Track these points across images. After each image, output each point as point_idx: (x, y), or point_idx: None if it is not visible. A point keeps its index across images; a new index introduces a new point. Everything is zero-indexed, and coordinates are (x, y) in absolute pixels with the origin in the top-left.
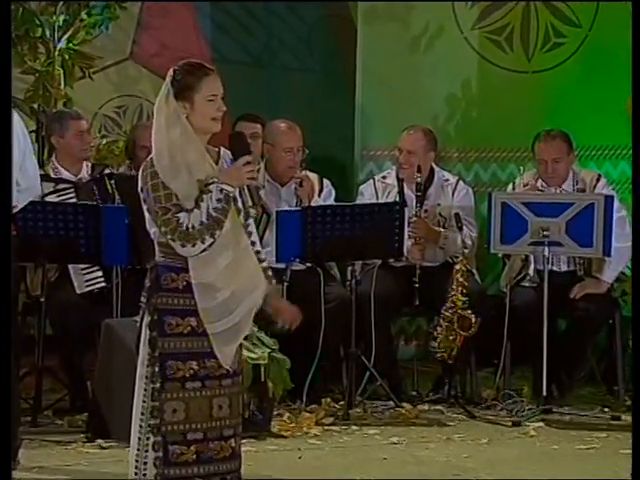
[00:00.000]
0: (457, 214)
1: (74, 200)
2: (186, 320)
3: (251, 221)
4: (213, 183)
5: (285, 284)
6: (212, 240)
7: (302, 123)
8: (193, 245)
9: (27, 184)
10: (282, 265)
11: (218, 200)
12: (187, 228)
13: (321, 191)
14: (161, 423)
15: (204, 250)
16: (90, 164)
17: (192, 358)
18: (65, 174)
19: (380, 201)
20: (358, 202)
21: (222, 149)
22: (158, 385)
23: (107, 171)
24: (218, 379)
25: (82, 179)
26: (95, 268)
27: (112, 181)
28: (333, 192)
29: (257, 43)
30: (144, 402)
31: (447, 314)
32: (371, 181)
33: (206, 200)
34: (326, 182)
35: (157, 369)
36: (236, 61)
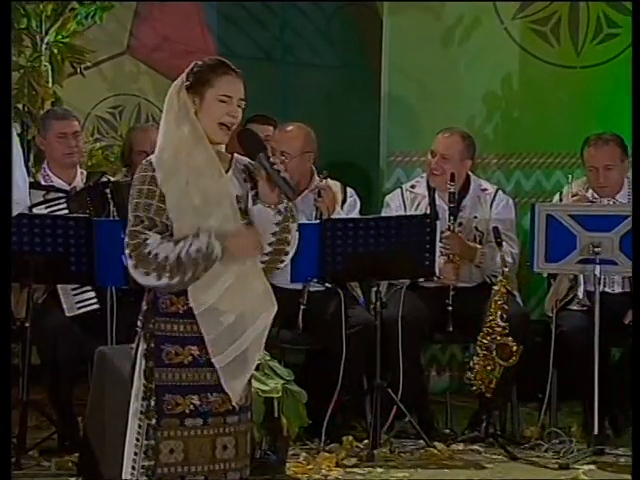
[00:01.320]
0: (496, 228)
1: (65, 212)
2: (187, 349)
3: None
4: (209, 233)
5: (301, 307)
6: (177, 281)
7: (319, 125)
8: (147, 274)
9: (17, 196)
10: (298, 286)
11: (198, 250)
12: (149, 253)
13: (344, 202)
14: (156, 465)
15: (168, 287)
16: (85, 172)
17: (193, 392)
18: (57, 182)
19: (409, 213)
20: (384, 214)
21: (236, 156)
22: (154, 421)
23: (104, 179)
24: (222, 416)
25: (75, 188)
26: (87, 289)
27: (108, 190)
28: (358, 203)
29: (269, 35)
30: (137, 441)
31: (485, 341)
32: (398, 190)
33: (186, 243)
34: (350, 191)
35: (153, 403)
36: (245, 56)
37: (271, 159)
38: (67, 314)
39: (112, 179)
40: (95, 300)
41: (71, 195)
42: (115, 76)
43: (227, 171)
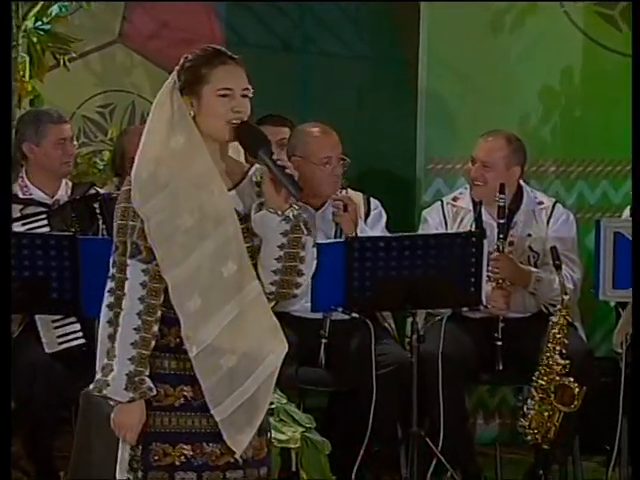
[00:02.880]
0: (554, 248)
1: (46, 229)
2: (178, 389)
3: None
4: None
5: (323, 341)
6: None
7: (345, 126)
8: (110, 309)
9: None
10: (319, 315)
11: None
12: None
13: (368, 215)
14: None
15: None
16: (70, 183)
17: (185, 440)
18: (37, 194)
19: (450, 230)
20: (421, 232)
21: (257, 166)
22: (140, 474)
23: (92, 191)
24: (222, 470)
25: (59, 201)
26: (71, 320)
27: (96, 204)
28: (384, 216)
29: (287, 22)
30: None
31: (541, 382)
32: (438, 204)
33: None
34: (374, 203)
35: (139, 453)
36: (259, 45)
37: (275, 155)
38: (47, 350)
39: (101, 191)
40: (80, 334)
41: (53, 210)
42: (105, 69)
43: (237, 184)
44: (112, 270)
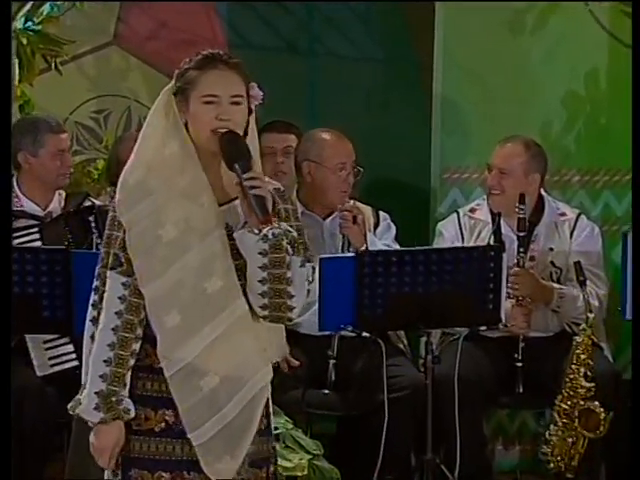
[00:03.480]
0: (578, 263)
1: (38, 243)
2: (160, 413)
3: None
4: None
5: (331, 362)
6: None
7: (355, 133)
8: (93, 324)
9: None
10: (327, 334)
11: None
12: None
13: (377, 226)
14: None
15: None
16: (64, 193)
17: (164, 467)
18: (29, 206)
19: (467, 244)
20: (436, 245)
21: (290, 196)
22: None
23: (87, 203)
24: None
25: (51, 213)
26: (64, 341)
27: (91, 217)
28: (394, 228)
29: (293, 22)
30: None
31: (564, 407)
32: (454, 215)
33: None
34: (383, 215)
35: (119, 478)
36: (263, 46)
37: (250, 173)
38: (38, 373)
39: (97, 202)
40: (74, 356)
41: (46, 223)
42: (99, 72)
43: (234, 199)
44: (95, 282)
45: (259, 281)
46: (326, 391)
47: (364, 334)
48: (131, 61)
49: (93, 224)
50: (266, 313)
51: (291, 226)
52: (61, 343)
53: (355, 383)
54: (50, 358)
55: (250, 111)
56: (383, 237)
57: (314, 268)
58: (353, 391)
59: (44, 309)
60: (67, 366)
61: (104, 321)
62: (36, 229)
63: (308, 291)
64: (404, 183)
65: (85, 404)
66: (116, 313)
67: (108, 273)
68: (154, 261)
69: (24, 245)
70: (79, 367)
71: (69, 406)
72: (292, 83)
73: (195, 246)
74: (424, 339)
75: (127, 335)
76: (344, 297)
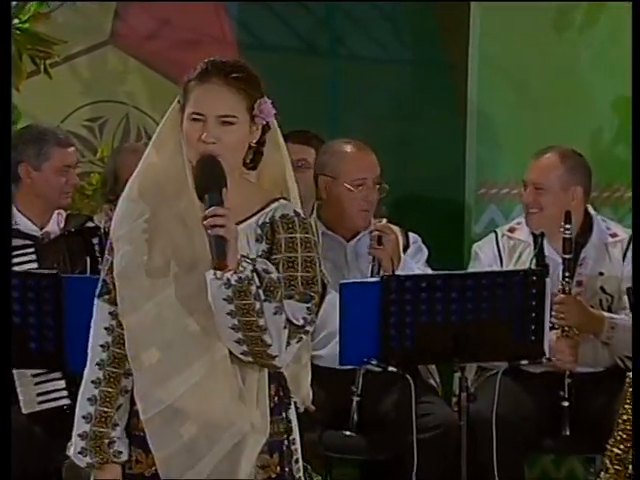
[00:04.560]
0: (631, 289)
1: (34, 265)
2: (151, 456)
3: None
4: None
5: (354, 400)
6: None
7: (382, 142)
8: None
9: None
10: (349, 368)
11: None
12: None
13: (406, 249)
14: None
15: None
16: (64, 213)
17: None
18: (25, 225)
19: (506, 268)
20: (471, 269)
21: (276, 205)
22: None
23: (90, 224)
24: None
25: (49, 234)
26: (54, 376)
27: (95, 239)
28: (425, 251)
29: (311, 20)
30: None
31: (617, 451)
32: (492, 236)
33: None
34: (413, 237)
35: None
36: (278, 47)
37: (215, 208)
38: (24, 411)
39: (102, 225)
40: (65, 393)
41: (43, 244)
42: (94, 75)
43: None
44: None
45: (231, 328)
46: (348, 432)
47: (390, 369)
48: (129, 63)
49: (97, 247)
50: (250, 359)
51: (293, 258)
52: (51, 378)
53: (381, 423)
54: (38, 394)
55: (265, 128)
56: (414, 258)
57: (310, 310)
58: (379, 432)
59: (31, 340)
60: (56, 404)
61: (89, 355)
62: (32, 250)
63: (301, 336)
64: (435, 199)
65: (72, 447)
66: (102, 346)
67: (95, 301)
68: (135, 291)
69: (17, 268)
70: (70, 406)
71: (68, 446)
72: (311, 87)
73: (180, 278)
74: (458, 374)
75: (115, 370)
76: (368, 327)
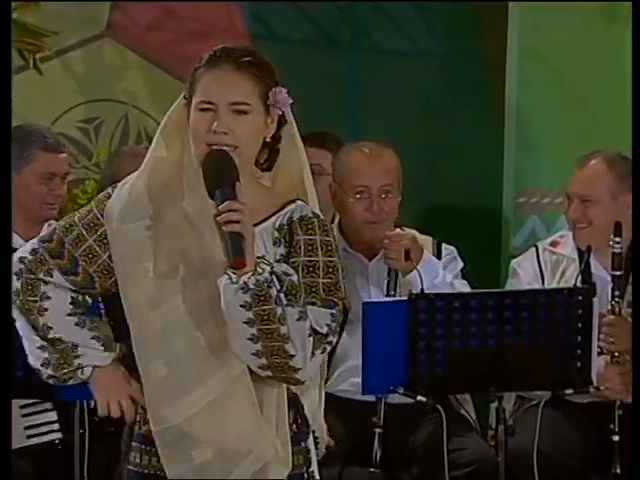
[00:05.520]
0: None
1: None
2: None
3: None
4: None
5: (377, 431)
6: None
7: (408, 145)
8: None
9: None
10: (372, 398)
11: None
12: (32, 287)
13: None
14: None
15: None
16: (55, 224)
17: None
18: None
19: (548, 286)
20: (509, 287)
21: (293, 206)
22: None
23: None
24: None
25: None
26: (44, 407)
27: None
28: (460, 263)
29: (331, 10)
30: None
31: None
32: (533, 250)
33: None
34: (447, 249)
35: None
36: (293, 39)
37: (229, 203)
38: (13, 445)
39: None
40: (56, 426)
41: None
42: (89, 71)
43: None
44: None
45: (249, 339)
46: (371, 469)
47: (419, 398)
48: (129, 57)
49: None
50: (269, 374)
51: (314, 262)
52: (41, 410)
53: (408, 459)
54: (27, 428)
55: (281, 121)
56: (447, 268)
57: (334, 317)
58: (406, 469)
59: (17, 369)
60: (47, 439)
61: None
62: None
63: (325, 346)
64: (469, 209)
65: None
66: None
67: (53, 267)
68: (139, 298)
69: None
70: (62, 440)
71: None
72: (329, 83)
73: (189, 285)
74: (495, 405)
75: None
76: (394, 352)
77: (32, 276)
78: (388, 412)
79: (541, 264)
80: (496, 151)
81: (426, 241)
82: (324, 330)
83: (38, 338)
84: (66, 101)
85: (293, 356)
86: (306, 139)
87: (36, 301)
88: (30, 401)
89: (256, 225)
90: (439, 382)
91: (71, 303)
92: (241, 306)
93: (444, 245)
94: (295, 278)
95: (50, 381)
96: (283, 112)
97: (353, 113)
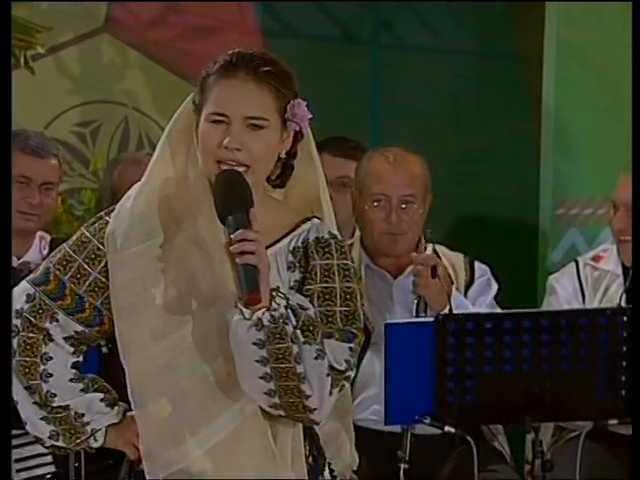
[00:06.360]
0: None
1: None
2: None
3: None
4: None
5: (402, 466)
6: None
7: (435, 150)
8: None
9: None
10: (396, 429)
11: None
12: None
13: (470, 284)
14: None
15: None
16: (48, 238)
17: None
18: None
19: (590, 305)
20: (546, 306)
21: (308, 224)
22: None
23: None
24: None
25: (29, 265)
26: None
27: None
28: (494, 287)
29: (352, 4)
30: None
31: None
32: (573, 266)
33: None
34: (481, 269)
35: None
36: (310, 35)
37: (243, 232)
38: None
39: None
40: (49, 458)
41: (22, 277)
42: (85, 70)
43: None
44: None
45: (261, 378)
46: None
47: (447, 429)
48: (129, 54)
49: None
50: (282, 413)
51: (330, 289)
52: (31, 441)
53: None
54: (17, 460)
55: (297, 136)
56: (478, 300)
57: (353, 350)
58: None
59: None
60: (39, 472)
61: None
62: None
63: (344, 383)
64: (503, 221)
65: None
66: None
67: (59, 314)
68: (141, 330)
69: None
70: (56, 474)
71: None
72: (349, 83)
73: (197, 316)
74: (531, 436)
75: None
76: (419, 378)
77: (31, 335)
78: (414, 444)
79: (582, 281)
80: (532, 157)
81: (457, 259)
82: (342, 367)
83: (37, 407)
84: (60, 103)
85: (309, 396)
86: (328, 147)
87: (36, 363)
88: (19, 432)
89: (269, 247)
90: (469, 411)
91: (73, 367)
92: (254, 344)
93: (477, 264)
94: (312, 312)
95: (59, 452)
96: (301, 127)
97: (375, 116)
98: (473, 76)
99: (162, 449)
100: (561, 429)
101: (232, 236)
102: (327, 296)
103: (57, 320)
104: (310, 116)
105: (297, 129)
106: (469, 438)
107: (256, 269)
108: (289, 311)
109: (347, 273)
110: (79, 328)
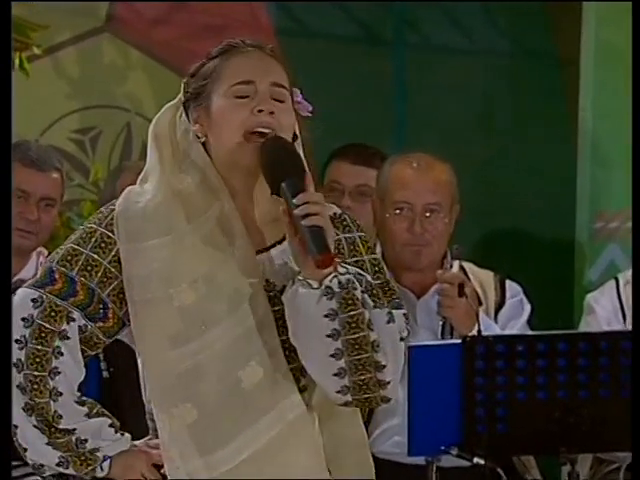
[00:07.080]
0: None
1: None
2: None
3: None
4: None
5: None
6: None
7: (463, 157)
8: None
9: None
10: (420, 460)
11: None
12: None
13: (501, 306)
14: None
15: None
16: (46, 253)
17: None
18: None
19: (630, 327)
20: (584, 327)
21: (356, 221)
22: None
23: None
24: None
25: (23, 283)
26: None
27: None
28: (528, 308)
29: (369, 3)
30: None
31: None
32: (612, 284)
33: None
34: (513, 288)
35: None
36: (329, 35)
37: (304, 195)
38: None
39: None
40: None
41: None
42: (85, 72)
43: (279, 242)
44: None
45: (332, 355)
46: None
47: (476, 460)
48: (132, 55)
49: None
50: (348, 399)
51: (360, 262)
52: (29, 472)
53: None
54: None
55: (294, 136)
56: (509, 325)
57: (407, 317)
58: None
59: None
60: None
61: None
62: None
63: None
64: (537, 235)
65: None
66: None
67: (74, 313)
68: (154, 329)
69: None
70: None
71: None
72: (370, 85)
73: (223, 318)
74: (567, 469)
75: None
76: (445, 405)
77: (40, 347)
78: (439, 478)
79: (622, 300)
80: (568, 167)
81: (486, 277)
82: (405, 334)
83: (39, 432)
84: (57, 108)
85: (384, 367)
86: (346, 154)
87: (45, 377)
88: (18, 463)
89: (281, 240)
90: (500, 441)
91: (79, 390)
92: (325, 316)
93: (508, 282)
94: (369, 276)
95: None
96: (294, 130)
97: (399, 122)
98: (506, 78)
99: (185, 457)
100: (600, 461)
101: (294, 200)
102: (359, 269)
103: (74, 319)
104: (310, 108)
105: (306, 114)
106: (500, 471)
107: (323, 230)
108: (352, 276)
109: (369, 244)
110: (88, 324)
